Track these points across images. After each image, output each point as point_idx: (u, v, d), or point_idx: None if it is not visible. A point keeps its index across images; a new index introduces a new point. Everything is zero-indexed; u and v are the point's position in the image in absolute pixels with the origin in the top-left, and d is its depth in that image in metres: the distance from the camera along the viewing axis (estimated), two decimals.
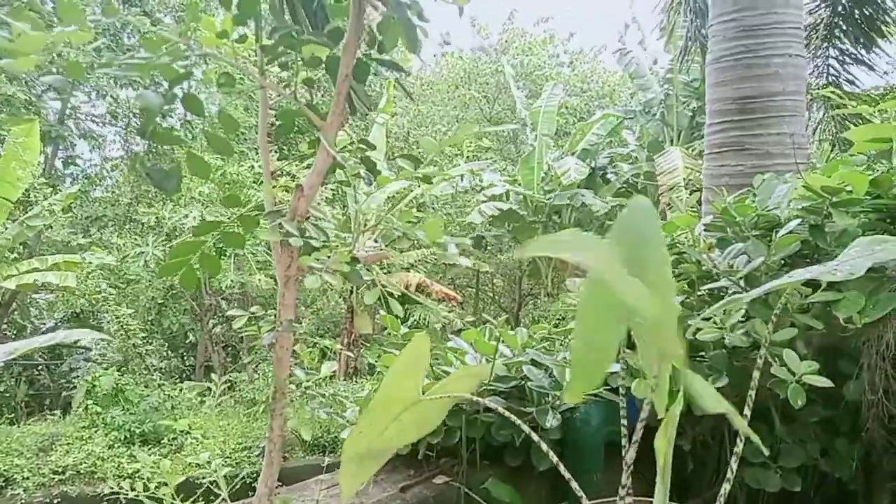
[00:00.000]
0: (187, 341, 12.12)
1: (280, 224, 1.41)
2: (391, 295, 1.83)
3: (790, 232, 1.82)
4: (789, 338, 1.74)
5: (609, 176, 14.04)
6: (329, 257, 1.43)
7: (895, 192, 1.94)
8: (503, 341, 2.12)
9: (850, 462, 2.01)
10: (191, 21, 1.32)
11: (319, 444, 6.89)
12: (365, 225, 10.95)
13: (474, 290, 17.01)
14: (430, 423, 1.84)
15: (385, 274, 11.67)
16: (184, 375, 11.73)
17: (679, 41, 10.87)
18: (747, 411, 1.53)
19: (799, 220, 1.85)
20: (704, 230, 2.23)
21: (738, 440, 1.44)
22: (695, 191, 12.23)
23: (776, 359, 1.70)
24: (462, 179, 14.33)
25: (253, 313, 1.59)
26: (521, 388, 2.13)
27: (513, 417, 1.63)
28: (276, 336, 1.52)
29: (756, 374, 1.51)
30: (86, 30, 1.19)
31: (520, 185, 13.80)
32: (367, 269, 1.71)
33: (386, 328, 2.81)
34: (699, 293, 2.12)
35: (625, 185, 13.85)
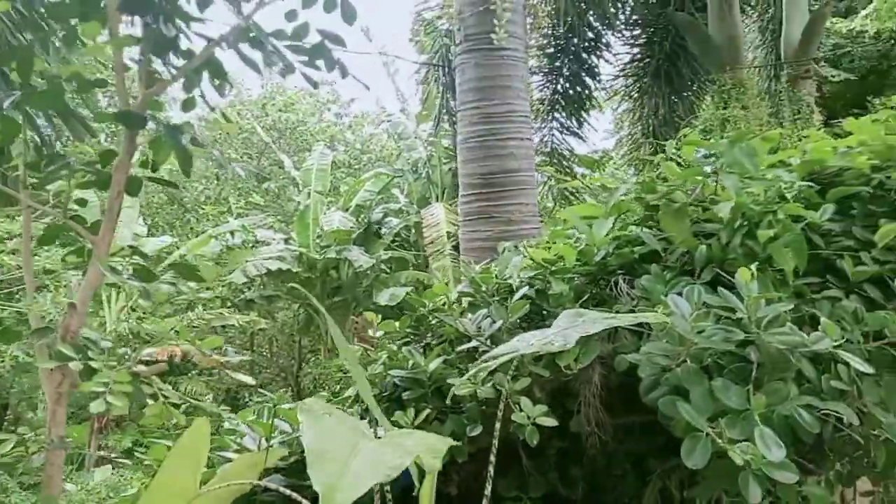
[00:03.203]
0: None
1: (51, 343, 1.35)
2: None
3: (522, 296, 2.21)
4: (526, 386, 2.09)
5: (382, 230, 14.64)
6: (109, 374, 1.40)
7: (596, 260, 2.46)
8: (283, 418, 2.18)
9: (581, 485, 2.42)
10: None
11: None
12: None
13: (249, 351, 16.23)
14: None
15: (145, 344, 10.58)
16: None
17: (435, 109, 11.99)
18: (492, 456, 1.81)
19: (527, 287, 2.25)
20: (459, 296, 2.56)
21: (487, 481, 1.70)
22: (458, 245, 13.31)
23: (517, 405, 2.02)
24: (233, 237, 13.88)
25: (21, 434, 1.47)
26: (301, 462, 2.19)
27: (294, 495, 1.71)
28: (47, 455, 1.41)
29: (498, 422, 1.79)
30: None
31: (295, 242, 13.73)
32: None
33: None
34: (457, 352, 2.42)
35: (397, 239, 14.57)
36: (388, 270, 13.98)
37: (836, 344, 1.71)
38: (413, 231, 14.43)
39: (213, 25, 1.38)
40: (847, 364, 1.74)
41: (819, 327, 1.83)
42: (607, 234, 2.45)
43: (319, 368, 14.78)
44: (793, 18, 9.24)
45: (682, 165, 2.65)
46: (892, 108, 2.68)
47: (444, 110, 9.92)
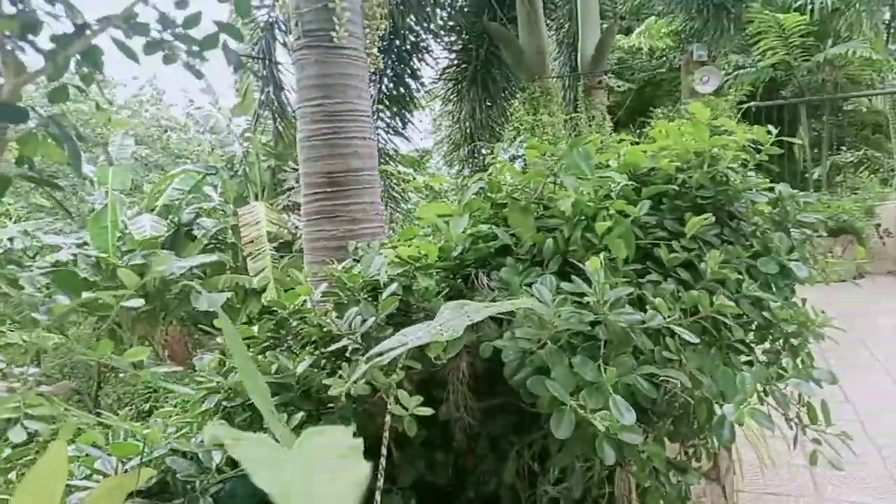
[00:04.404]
0: None
1: None
2: None
3: (392, 293, 2.27)
4: (399, 379, 2.15)
5: (195, 232, 13.68)
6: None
7: (454, 255, 2.60)
8: (138, 438, 2.01)
9: (447, 469, 2.55)
10: None
11: None
12: None
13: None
14: None
15: None
16: None
17: (253, 103, 11.52)
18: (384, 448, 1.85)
19: (396, 284, 2.32)
20: (323, 296, 2.54)
21: (380, 473, 1.73)
22: (283, 244, 12.92)
23: (393, 398, 2.08)
24: (12, 243, 12.23)
25: None
26: (162, 482, 2.04)
27: None
28: None
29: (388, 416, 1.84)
30: None
31: (89, 246, 12.32)
32: None
33: None
34: (323, 352, 2.40)
35: (213, 241, 13.71)
36: (202, 275, 13.11)
37: (667, 320, 2.01)
38: (231, 232, 13.68)
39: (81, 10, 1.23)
40: (674, 336, 2.06)
41: (647, 307, 2.13)
42: (463, 231, 2.60)
43: (123, 387, 13.45)
44: (587, 34, 10.35)
45: (525, 167, 2.90)
46: (675, 118, 3.18)
47: (264, 105, 9.57)
